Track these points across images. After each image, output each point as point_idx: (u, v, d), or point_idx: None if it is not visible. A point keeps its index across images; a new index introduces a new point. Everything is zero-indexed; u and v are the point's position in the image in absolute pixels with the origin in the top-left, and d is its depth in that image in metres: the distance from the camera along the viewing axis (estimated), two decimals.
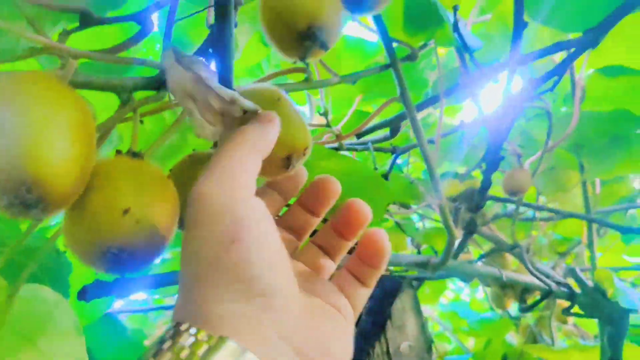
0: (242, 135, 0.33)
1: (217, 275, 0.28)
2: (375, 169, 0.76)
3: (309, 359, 0.30)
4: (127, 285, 0.49)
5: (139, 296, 1.35)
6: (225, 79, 0.42)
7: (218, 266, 0.28)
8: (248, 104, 0.35)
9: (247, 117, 0.35)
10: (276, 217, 0.41)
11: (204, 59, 0.37)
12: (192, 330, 0.27)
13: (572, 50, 0.70)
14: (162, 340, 0.27)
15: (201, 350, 0.26)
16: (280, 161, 0.37)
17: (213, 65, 0.42)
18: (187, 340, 0.26)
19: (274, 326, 0.29)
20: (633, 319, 1.20)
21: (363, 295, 0.36)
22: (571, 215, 0.92)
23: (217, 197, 0.29)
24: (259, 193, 0.39)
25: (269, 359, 0.27)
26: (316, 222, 0.40)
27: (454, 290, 2.19)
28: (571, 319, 1.20)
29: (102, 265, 0.33)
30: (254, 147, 0.32)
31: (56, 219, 0.55)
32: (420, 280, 1.06)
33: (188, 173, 0.40)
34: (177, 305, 0.29)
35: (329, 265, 0.39)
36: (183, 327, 0.27)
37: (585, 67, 0.83)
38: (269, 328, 0.28)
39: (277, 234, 0.31)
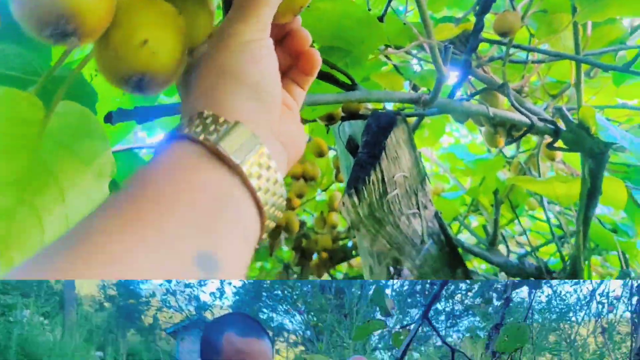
0: None
1: (239, 84, 0.39)
2: (369, 10, 0.79)
3: (284, 144, 0.43)
4: (145, 112, 0.57)
5: (159, 138, 1.48)
6: None
7: (240, 78, 0.39)
8: None
9: None
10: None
11: None
12: (214, 116, 0.37)
13: None
14: (190, 118, 0.37)
15: (222, 128, 0.36)
16: (297, 8, 0.45)
17: None
18: (210, 120, 0.36)
19: (270, 122, 0.41)
20: (621, 157, 1.28)
21: (302, 94, 0.49)
22: (559, 55, 0.95)
23: (244, 34, 0.40)
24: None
25: (267, 140, 0.38)
26: None
27: (456, 138, 2.29)
28: (560, 157, 1.29)
29: (128, 88, 0.42)
30: None
31: (79, 52, 0.62)
32: (417, 118, 1.14)
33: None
34: (193, 103, 0.40)
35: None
36: (206, 112, 0.37)
37: None
38: (268, 123, 0.40)
39: (277, 62, 0.42)
